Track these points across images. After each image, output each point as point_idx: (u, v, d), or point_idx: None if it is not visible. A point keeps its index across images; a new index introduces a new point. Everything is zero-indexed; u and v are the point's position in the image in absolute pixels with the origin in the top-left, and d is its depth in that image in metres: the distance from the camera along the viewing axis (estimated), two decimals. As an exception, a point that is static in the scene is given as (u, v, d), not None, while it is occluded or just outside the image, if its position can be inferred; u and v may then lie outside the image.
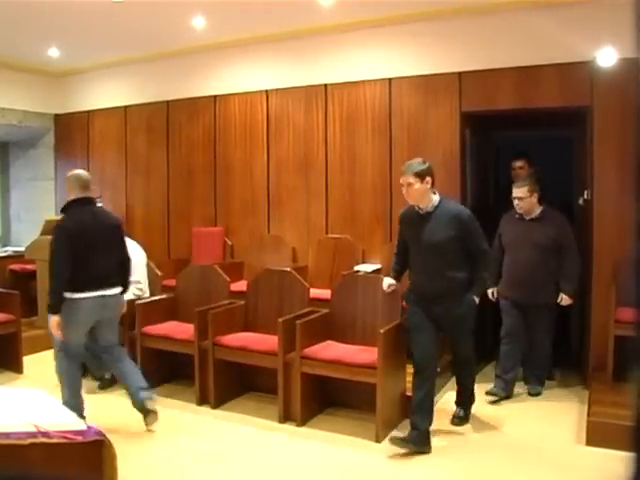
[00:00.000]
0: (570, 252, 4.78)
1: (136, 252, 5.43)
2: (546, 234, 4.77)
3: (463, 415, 4.45)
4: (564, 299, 4.81)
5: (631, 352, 3.59)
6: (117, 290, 4.35)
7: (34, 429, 2.03)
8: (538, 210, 4.87)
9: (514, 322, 4.91)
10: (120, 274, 4.40)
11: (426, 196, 4.03)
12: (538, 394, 4.95)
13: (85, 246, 4.10)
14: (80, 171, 4.44)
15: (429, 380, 4.00)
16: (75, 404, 4.17)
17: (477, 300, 4.11)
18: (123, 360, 4.55)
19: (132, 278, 5.29)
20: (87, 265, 4.11)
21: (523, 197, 4.80)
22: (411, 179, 3.99)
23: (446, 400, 4.89)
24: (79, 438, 2.09)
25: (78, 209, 4.22)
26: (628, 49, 4.10)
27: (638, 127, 1.00)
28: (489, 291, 5.04)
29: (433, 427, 4.05)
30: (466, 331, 4.24)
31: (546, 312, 4.90)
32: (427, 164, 4.06)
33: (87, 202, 4.27)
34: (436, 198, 4.07)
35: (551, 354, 5.07)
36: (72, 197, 4.26)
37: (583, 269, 5.07)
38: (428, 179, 4.00)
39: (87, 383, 5.34)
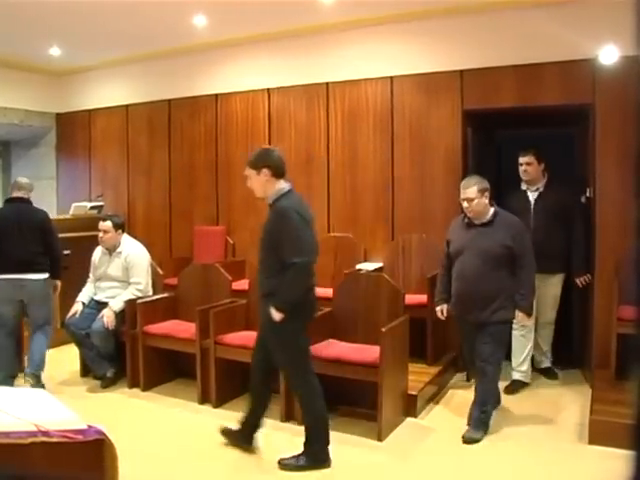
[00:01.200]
0: (525, 262, 4.09)
1: (139, 253, 5.43)
2: (498, 241, 4.08)
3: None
4: (519, 317, 4.14)
5: (632, 350, 3.58)
6: (39, 276, 5.04)
7: (34, 428, 2.02)
8: (489, 213, 4.20)
9: (469, 347, 4.35)
10: (44, 262, 5.08)
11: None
12: (473, 441, 4.08)
13: (3, 236, 4.95)
14: (19, 178, 5.43)
15: None
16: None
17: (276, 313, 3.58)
18: (34, 338, 5.14)
19: (132, 279, 5.31)
20: (4, 252, 4.94)
21: (473, 198, 4.13)
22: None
23: (448, 399, 4.89)
24: (79, 437, 2.08)
25: (6, 206, 5.23)
26: (630, 46, 4.09)
27: (639, 124, 0.99)
28: (437, 308, 4.45)
29: (434, 426, 4.05)
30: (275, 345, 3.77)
31: (496, 333, 4.11)
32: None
33: (14, 200, 5.12)
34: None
35: (496, 389, 4.37)
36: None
37: (586, 268, 5.07)
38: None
39: (89, 382, 5.37)
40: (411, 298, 5.01)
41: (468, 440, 4.08)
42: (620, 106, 4.69)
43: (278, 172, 3.74)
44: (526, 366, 5.07)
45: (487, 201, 4.18)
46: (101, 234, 5.34)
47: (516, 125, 6.47)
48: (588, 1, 4.94)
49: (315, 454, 3.74)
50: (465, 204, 4.19)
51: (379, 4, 5.54)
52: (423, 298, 5.17)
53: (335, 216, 6.28)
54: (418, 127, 5.84)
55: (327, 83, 6.30)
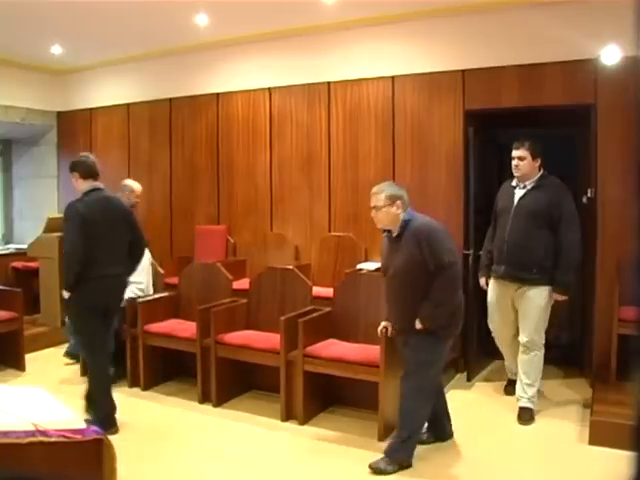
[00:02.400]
0: (439, 275, 3.61)
1: None
2: (406, 256, 3.69)
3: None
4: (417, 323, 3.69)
5: (633, 351, 3.57)
6: None
7: (33, 428, 2.02)
8: (398, 224, 3.76)
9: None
10: None
11: None
12: (379, 472, 3.64)
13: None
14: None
15: None
16: None
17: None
18: None
19: (133, 279, 5.28)
20: None
21: (379, 206, 3.75)
22: None
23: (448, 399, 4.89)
24: (78, 437, 2.08)
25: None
26: (632, 47, 4.08)
27: (639, 124, 0.99)
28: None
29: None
30: None
31: (419, 343, 3.75)
32: None
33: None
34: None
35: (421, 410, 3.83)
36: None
37: (587, 268, 5.05)
38: None
39: (89, 381, 5.35)
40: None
41: (373, 469, 3.63)
42: (622, 106, 4.68)
43: (86, 174, 4.29)
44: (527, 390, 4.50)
45: (399, 211, 3.73)
46: None
47: (518, 125, 6.45)
48: (590, 1, 4.93)
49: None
50: (372, 212, 3.83)
51: (381, 4, 5.53)
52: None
53: (336, 215, 6.28)
54: (419, 127, 5.83)
55: (328, 82, 6.29)
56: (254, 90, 6.73)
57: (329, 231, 6.29)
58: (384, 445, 3.85)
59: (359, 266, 5.72)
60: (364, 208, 6.08)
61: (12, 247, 8.13)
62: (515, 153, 4.55)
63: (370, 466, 3.66)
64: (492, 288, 4.73)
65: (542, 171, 4.57)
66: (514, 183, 4.62)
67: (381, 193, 3.78)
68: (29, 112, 7.91)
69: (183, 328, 5.11)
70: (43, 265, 6.69)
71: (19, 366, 5.61)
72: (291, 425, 4.42)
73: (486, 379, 5.40)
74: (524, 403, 4.44)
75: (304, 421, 4.41)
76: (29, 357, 5.74)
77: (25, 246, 7.18)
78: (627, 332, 4.39)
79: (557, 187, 4.48)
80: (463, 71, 5.59)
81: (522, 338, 4.49)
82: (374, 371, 4.10)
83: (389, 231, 3.85)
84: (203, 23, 5.96)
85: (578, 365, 5.51)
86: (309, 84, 6.39)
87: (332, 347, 4.49)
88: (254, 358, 4.69)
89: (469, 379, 5.26)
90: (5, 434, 1.96)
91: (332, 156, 6.30)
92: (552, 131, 6.46)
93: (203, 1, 5.47)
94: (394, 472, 3.64)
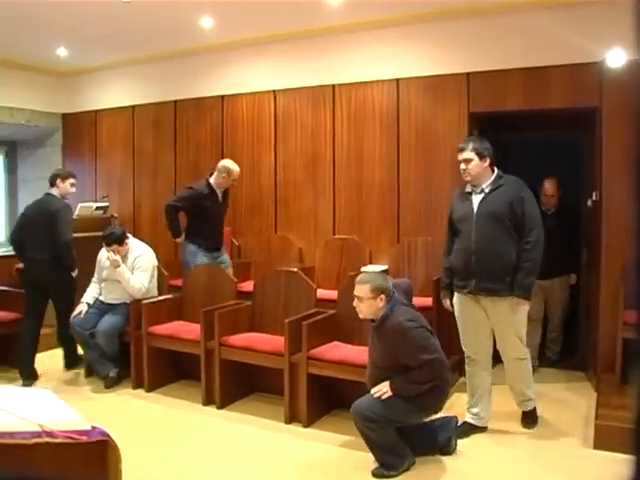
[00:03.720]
0: (420, 368, 3.59)
1: (147, 256, 5.43)
2: (386, 349, 3.71)
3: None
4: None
5: (632, 354, 3.56)
6: None
7: (39, 429, 2.02)
8: (380, 315, 3.72)
9: None
10: None
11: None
12: (382, 476, 3.68)
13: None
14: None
15: None
16: None
17: None
18: None
19: (135, 281, 5.29)
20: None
21: (363, 298, 3.68)
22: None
23: (452, 401, 4.88)
24: (84, 438, 2.08)
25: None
26: (632, 50, 4.07)
27: (638, 127, 0.99)
28: None
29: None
30: None
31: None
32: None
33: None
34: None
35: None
36: None
37: (591, 271, 5.04)
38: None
39: (94, 382, 5.37)
40: (416, 301, 4.95)
41: (376, 474, 3.69)
42: (627, 109, 4.67)
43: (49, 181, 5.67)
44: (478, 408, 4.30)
45: (381, 304, 3.66)
46: (112, 253, 5.29)
47: (522, 128, 6.46)
48: (596, 4, 4.93)
49: None
50: (355, 301, 3.76)
51: (385, 6, 5.53)
52: (428, 301, 5.15)
53: (340, 218, 6.28)
54: (424, 130, 5.83)
55: (333, 85, 6.30)
56: (259, 92, 6.74)
57: (333, 234, 6.29)
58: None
59: (363, 269, 5.70)
60: (368, 210, 6.11)
61: (16, 248, 8.14)
62: (460, 156, 4.13)
63: (372, 473, 3.68)
64: (460, 304, 4.24)
65: (497, 171, 4.14)
66: (468, 189, 4.16)
67: (366, 284, 3.69)
68: (34, 114, 7.94)
69: (187, 330, 5.12)
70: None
71: (23, 367, 5.61)
72: (295, 428, 4.42)
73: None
74: (526, 407, 4.35)
75: (308, 424, 4.41)
76: (33, 358, 5.75)
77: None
78: (632, 336, 4.38)
79: (516, 185, 4.07)
80: (468, 74, 5.59)
81: (506, 353, 4.20)
82: (378, 374, 4.09)
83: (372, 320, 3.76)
84: (208, 25, 5.98)
85: (582, 369, 5.50)
86: (314, 86, 6.39)
87: (336, 350, 4.48)
88: (258, 360, 4.69)
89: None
90: (11, 435, 1.97)
91: (337, 159, 6.30)
92: (557, 134, 6.47)
93: (208, 3, 5.49)
94: (397, 475, 3.64)
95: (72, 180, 5.75)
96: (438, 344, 3.66)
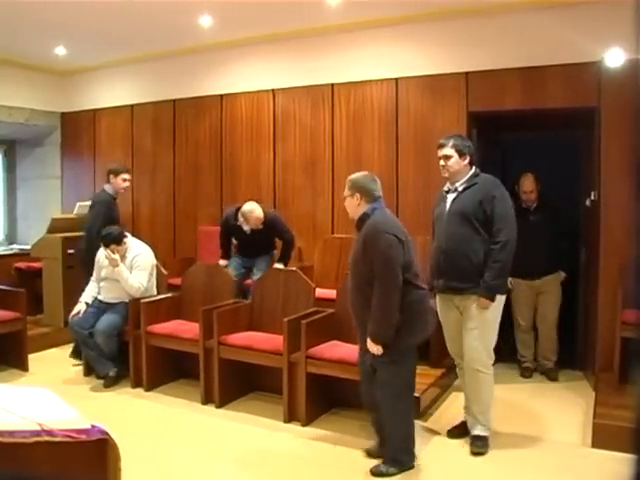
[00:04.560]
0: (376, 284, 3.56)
1: (145, 255, 5.42)
2: (356, 250, 3.71)
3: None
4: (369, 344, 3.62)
5: (632, 354, 3.57)
6: None
7: (38, 427, 2.02)
8: (357, 216, 3.77)
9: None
10: None
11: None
12: (380, 474, 3.68)
13: None
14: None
15: None
16: None
17: None
18: None
19: (134, 280, 5.28)
20: None
21: (344, 195, 3.78)
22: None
23: (451, 400, 4.89)
24: (83, 437, 2.08)
25: None
26: (633, 50, 4.08)
27: (638, 127, 0.99)
28: None
29: (436, 428, 4.03)
30: None
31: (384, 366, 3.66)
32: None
33: None
34: None
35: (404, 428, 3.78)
36: None
37: (590, 270, 5.05)
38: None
39: (93, 382, 5.37)
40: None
41: (374, 472, 3.68)
42: (626, 109, 4.68)
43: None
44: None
45: (357, 203, 3.70)
46: (110, 252, 5.27)
47: (521, 127, 6.46)
48: (594, 4, 4.93)
49: None
50: None
51: (384, 6, 5.54)
52: (427, 300, 5.15)
53: (339, 217, 6.28)
54: (423, 129, 5.83)
55: (332, 84, 6.30)
56: (258, 92, 6.74)
57: (332, 232, 6.29)
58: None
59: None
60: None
61: (15, 247, 8.16)
62: (440, 152, 4.10)
63: (371, 470, 3.67)
64: (439, 306, 4.16)
65: (474, 170, 4.09)
66: (446, 188, 4.14)
67: (348, 182, 3.74)
68: (33, 113, 7.93)
69: (186, 329, 5.12)
70: (46, 265, 6.71)
71: (22, 366, 5.62)
72: (294, 427, 4.42)
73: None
74: (479, 431, 3.98)
75: (307, 423, 4.42)
76: (32, 357, 5.75)
77: (28, 247, 7.22)
78: (630, 335, 4.39)
79: (489, 183, 4.00)
80: (466, 73, 5.60)
81: (466, 359, 4.01)
82: (377, 373, 4.09)
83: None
84: (207, 24, 5.97)
85: (581, 368, 5.50)
86: (313, 86, 6.40)
87: (335, 349, 4.49)
88: (257, 359, 4.69)
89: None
90: (11, 434, 1.97)
91: (335, 158, 6.30)
92: (555, 134, 6.48)
93: (207, 2, 5.48)
94: (395, 474, 3.64)
95: (124, 175, 5.97)
96: (400, 264, 3.55)
